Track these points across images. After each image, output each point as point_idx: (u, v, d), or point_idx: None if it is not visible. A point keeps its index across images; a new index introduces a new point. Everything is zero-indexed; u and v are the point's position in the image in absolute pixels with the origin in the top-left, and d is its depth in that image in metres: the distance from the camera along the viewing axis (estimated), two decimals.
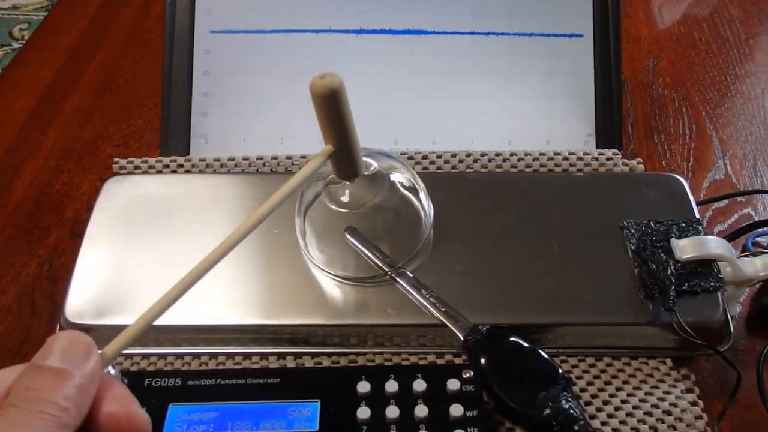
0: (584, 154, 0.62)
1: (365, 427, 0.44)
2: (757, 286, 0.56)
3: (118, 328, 0.50)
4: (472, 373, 0.46)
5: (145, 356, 0.51)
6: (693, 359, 0.52)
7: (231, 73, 0.65)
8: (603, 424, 0.47)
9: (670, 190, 0.58)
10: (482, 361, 0.47)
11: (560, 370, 0.47)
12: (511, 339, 0.48)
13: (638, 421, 0.47)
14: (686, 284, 0.51)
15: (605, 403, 0.48)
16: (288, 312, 0.51)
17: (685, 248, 0.51)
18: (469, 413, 0.44)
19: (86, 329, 0.51)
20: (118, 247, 0.55)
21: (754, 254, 0.54)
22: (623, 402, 0.48)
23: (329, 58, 0.65)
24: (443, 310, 0.49)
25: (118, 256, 0.54)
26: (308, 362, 0.51)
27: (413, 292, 0.50)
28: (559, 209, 0.57)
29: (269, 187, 0.59)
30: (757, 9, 0.89)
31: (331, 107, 0.41)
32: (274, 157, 0.62)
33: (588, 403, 0.48)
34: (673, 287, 0.49)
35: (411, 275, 0.51)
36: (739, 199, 0.66)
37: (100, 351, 0.33)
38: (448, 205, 0.56)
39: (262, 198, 0.57)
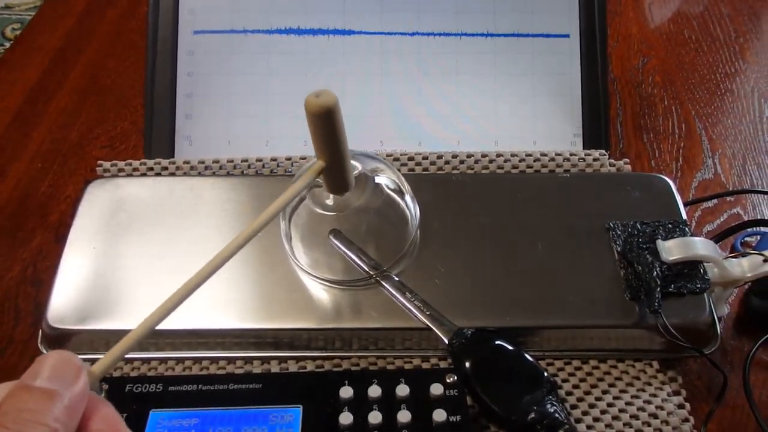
0: (571, 154, 0.62)
1: None
2: (746, 286, 0.56)
3: (101, 333, 0.51)
4: (455, 378, 0.46)
5: (128, 360, 0.51)
6: (680, 361, 0.51)
7: (215, 74, 0.65)
8: (589, 427, 0.47)
9: (656, 191, 0.57)
10: (467, 364, 0.47)
11: (545, 374, 0.47)
12: (496, 342, 0.48)
13: (624, 424, 0.47)
14: (672, 286, 0.50)
15: (591, 406, 0.48)
16: (273, 316, 0.51)
17: (671, 249, 0.51)
18: (452, 418, 0.43)
19: (69, 334, 0.51)
20: (102, 251, 0.54)
21: (743, 254, 0.53)
22: (609, 405, 0.48)
23: (314, 59, 0.65)
24: (428, 313, 0.49)
25: (101, 260, 0.54)
26: (293, 366, 0.51)
27: (398, 295, 0.50)
28: (546, 210, 0.56)
29: (254, 189, 0.59)
30: (747, 7, 0.89)
31: (326, 125, 0.42)
32: (259, 159, 0.62)
33: (574, 406, 0.48)
34: (659, 289, 0.49)
35: (396, 278, 0.51)
36: (728, 198, 0.66)
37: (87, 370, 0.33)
38: (433, 206, 0.56)
39: (246, 200, 0.57)
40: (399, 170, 0.55)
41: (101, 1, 0.90)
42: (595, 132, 0.64)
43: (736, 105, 0.75)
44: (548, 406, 0.45)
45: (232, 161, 0.62)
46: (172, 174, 0.61)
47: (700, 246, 0.51)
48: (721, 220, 0.64)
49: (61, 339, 0.51)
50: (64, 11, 0.89)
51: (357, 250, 0.51)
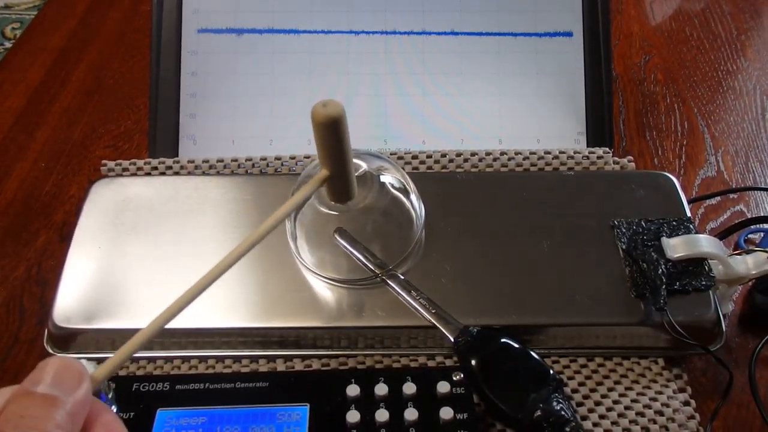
0: (575, 152, 0.62)
1: (355, 431, 0.43)
2: (750, 283, 0.56)
3: (107, 332, 0.51)
4: (462, 376, 0.46)
5: (134, 359, 0.51)
6: (685, 358, 0.51)
7: (219, 74, 0.65)
8: (595, 424, 0.47)
9: (661, 189, 0.57)
10: (473, 362, 0.47)
11: (551, 371, 0.47)
12: (502, 340, 0.48)
13: (630, 421, 0.47)
14: (677, 283, 0.50)
15: (597, 403, 0.48)
16: (278, 314, 0.51)
17: (676, 247, 0.51)
18: (459, 416, 0.44)
19: (74, 333, 0.51)
20: (107, 251, 0.54)
21: (747, 252, 0.53)
22: (615, 402, 0.48)
23: (318, 58, 0.65)
24: (434, 311, 0.49)
25: (107, 260, 0.54)
26: (298, 365, 0.51)
27: (404, 293, 0.50)
28: (550, 209, 0.56)
29: (259, 188, 0.59)
30: (748, 4, 0.89)
31: (332, 135, 0.42)
32: (264, 158, 0.62)
33: (580, 404, 0.48)
34: (664, 286, 0.49)
35: (401, 277, 0.51)
36: (731, 196, 0.66)
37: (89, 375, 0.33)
38: (438, 205, 0.56)
39: (251, 200, 0.57)
40: (403, 169, 0.55)
41: (103, 1, 0.90)
42: (598, 130, 0.64)
43: (738, 102, 0.76)
44: (554, 403, 0.45)
45: (236, 160, 0.62)
46: (177, 173, 0.62)
47: (705, 243, 0.51)
48: (725, 217, 0.64)
49: (66, 338, 0.51)
50: (65, 12, 0.89)
51: (362, 249, 0.51)
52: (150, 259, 0.54)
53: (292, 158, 0.62)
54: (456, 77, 0.65)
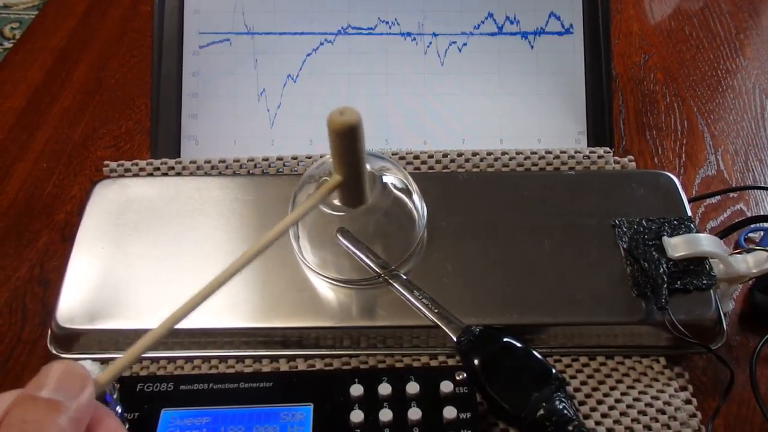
0: (575, 152, 0.62)
1: (359, 431, 0.44)
2: (750, 282, 0.56)
3: (110, 333, 0.51)
4: (465, 375, 0.46)
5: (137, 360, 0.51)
6: (686, 357, 0.52)
7: (220, 75, 0.65)
8: (597, 423, 0.47)
9: (661, 188, 0.58)
10: (475, 362, 0.47)
11: (553, 371, 0.47)
12: (504, 339, 0.48)
13: (632, 420, 0.47)
14: (679, 282, 0.51)
15: (599, 402, 0.48)
16: (281, 314, 0.51)
17: (677, 246, 0.51)
18: (462, 415, 0.44)
19: (78, 334, 0.51)
20: (109, 251, 0.54)
21: (747, 251, 0.54)
22: (617, 401, 0.48)
23: (319, 59, 0.65)
24: (436, 311, 0.49)
25: (109, 260, 0.54)
26: (301, 365, 0.51)
27: (406, 293, 0.50)
28: (551, 208, 0.57)
29: (261, 188, 0.59)
30: (747, 3, 0.89)
31: (348, 142, 0.42)
32: (265, 159, 0.62)
33: (582, 403, 0.48)
34: (665, 285, 0.49)
35: (404, 277, 0.51)
36: (731, 194, 0.66)
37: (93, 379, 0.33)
38: (439, 205, 0.56)
39: (253, 200, 0.58)
40: (405, 169, 0.55)
41: (103, 1, 0.90)
42: (599, 129, 0.64)
43: (737, 101, 0.76)
44: (557, 402, 0.45)
45: (238, 161, 0.62)
46: (179, 174, 0.62)
47: (706, 242, 0.51)
48: (725, 216, 0.64)
49: (70, 339, 0.51)
50: (66, 12, 0.89)
51: (365, 249, 0.52)
52: (153, 260, 0.54)
53: (294, 158, 0.62)
54: (456, 77, 0.65)
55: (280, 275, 0.53)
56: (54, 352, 0.52)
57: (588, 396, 0.49)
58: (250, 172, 0.62)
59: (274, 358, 0.51)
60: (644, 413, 0.48)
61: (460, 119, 0.65)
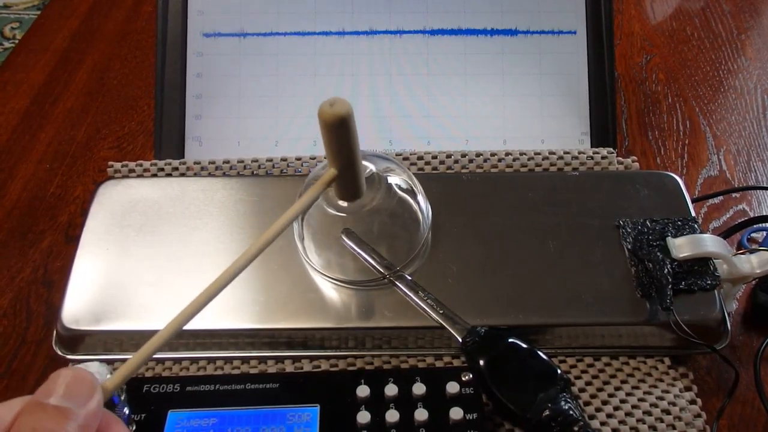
0: (579, 152, 0.62)
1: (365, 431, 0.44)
2: (753, 282, 0.56)
3: (116, 334, 0.51)
4: (471, 376, 0.46)
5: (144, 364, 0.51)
6: (691, 357, 0.52)
7: (224, 76, 0.65)
8: (602, 424, 0.47)
9: (665, 189, 0.58)
10: (481, 362, 0.47)
11: (559, 371, 0.47)
12: (510, 340, 0.48)
13: (637, 420, 0.47)
14: (683, 283, 0.51)
15: (604, 402, 0.49)
16: (286, 316, 0.51)
17: (681, 247, 0.51)
18: (468, 416, 0.44)
19: (83, 335, 0.51)
20: (114, 252, 0.55)
21: (751, 251, 0.54)
22: (622, 401, 0.49)
23: (322, 60, 0.65)
24: (441, 312, 0.49)
25: (114, 261, 0.54)
26: (307, 366, 0.51)
27: (411, 294, 0.50)
28: (555, 209, 0.57)
29: (265, 189, 0.59)
30: (748, 3, 0.89)
31: (339, 134, 0.42)
32: (269, 159, 0.62)
33: (587, 403, 0.49)
34: (669, 286, 0.49)
35: (409, 278, 0.51)
36: (733, 195, 0.66)
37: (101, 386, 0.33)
38: (443, 206, 0.56)
39: (257, 201, 0.58)
40: (409, 169, 0.56)
41: (105, 2, 0.90)
42: (602, 130, 0.64)
43: (739, 101, 0.76)
44: (562, 403, 0.45)
45: (242, 162, 0.62)
46: (183, 175, 0.62)
47: (710, 243, 0.51)
48: (727, 216, 0.64)
49: (75, 340, 0.51)
50: (68, 12, 0.89)
51: (370, 250, 0.52)
52: (157, 260, 0.54)
53: (298, 159, 0.62)
54: (460, 77, 0.65)
55: (284, 276, 0.53)
56: (59, 353, 0.52)
57: (593, 396, 0.49)
58: (254, 173, 0.62)
59: (279, 359, 0.51)
60: (649, 413, 0.48)
61: (464, 120, 0.65)
